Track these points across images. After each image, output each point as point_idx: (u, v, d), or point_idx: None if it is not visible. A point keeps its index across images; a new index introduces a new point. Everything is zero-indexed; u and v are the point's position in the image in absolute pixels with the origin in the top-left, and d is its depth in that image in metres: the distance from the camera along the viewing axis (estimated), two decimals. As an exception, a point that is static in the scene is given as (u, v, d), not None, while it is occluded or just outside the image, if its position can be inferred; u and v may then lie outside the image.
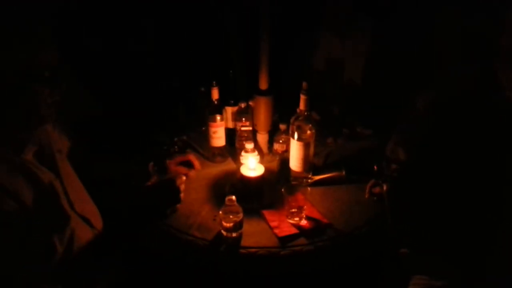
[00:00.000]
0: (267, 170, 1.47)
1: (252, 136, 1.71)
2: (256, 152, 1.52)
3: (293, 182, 1.54)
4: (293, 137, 1.47)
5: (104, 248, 1.08)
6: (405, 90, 2.13)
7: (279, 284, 1.32)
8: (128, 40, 2.40)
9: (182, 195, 1.30)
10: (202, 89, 1.88)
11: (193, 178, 1.54)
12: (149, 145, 1.74)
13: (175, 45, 2.61)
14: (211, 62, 2.49)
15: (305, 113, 1.46)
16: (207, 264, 1.27)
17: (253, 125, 1.72)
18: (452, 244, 0.85)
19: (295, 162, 1.51)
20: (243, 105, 1.71)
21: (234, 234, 1.26)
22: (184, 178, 1.30)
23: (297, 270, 1.26)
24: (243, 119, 1.71)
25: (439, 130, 0.87)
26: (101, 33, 2.23)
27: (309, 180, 1.55)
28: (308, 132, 1.46)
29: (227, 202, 1.25)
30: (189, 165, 1.58)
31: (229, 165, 1.72)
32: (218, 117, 1.65)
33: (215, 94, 1.65)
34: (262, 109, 1.65)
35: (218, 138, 1.68)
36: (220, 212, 1.26)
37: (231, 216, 1.25)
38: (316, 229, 1.31)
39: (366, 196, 1.43)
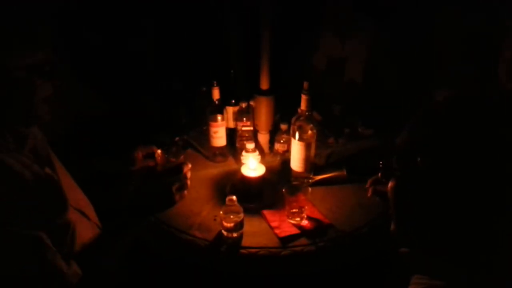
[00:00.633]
0: (268, 170, 1.47)
1: (253, 136, 1.70)
2: (257, 152, 1.52)
3: (294, 182, 1.53)
4: (294, 137, 1.46)
5: (104, 247, 1.07)
6: (406, 89, 2.15)
7: (279, 284, 1.31)
8: (128, 40, 2.40)
9: (188, 181, 1.23)
10: (203, 88, 1.88)
11: (194, 178, 1.53)
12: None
13: (176, 45, 2.61)
14: (212, 61, 2.49)
15: (306, 113, 1.46)
16: (208, 264, 1.27)
17: (254, 125, 1.72)
18: (454, 244, 0.85)
19: (296, 162, 1.51)
20: (244, 105, 1.71)
21: (234, 234, 1.26)
22: (189, 165, 1.26)
23: (298, 270, 1.26)
24: (244, 119, 1.71)
25: (453, 127, 0.86)
26: (101, 32, 2.23)
27: (310, 180, 1.55)
28: (309, 132, 1.46)
29: (227, 202, 1.25)
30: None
31: (230, 165, 1.71)
32: (219, 117, 1.64)
33: (216, 94, 1.65)
34: (263, 109, 1.65)
35: (219, 138, 1.68)
36: (221, 212, 1.26)
37: (231, 216, 1.24)
38: (317, 230, 1.30)
39: (369, 194, 1.42)
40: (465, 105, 0.88)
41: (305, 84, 1.42)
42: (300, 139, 1.45)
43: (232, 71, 1.84)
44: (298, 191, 1.37)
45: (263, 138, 1.72)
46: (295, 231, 1.29)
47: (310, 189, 1.45)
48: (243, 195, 1.34)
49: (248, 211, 1.30)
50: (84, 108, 1.87)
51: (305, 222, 1.33)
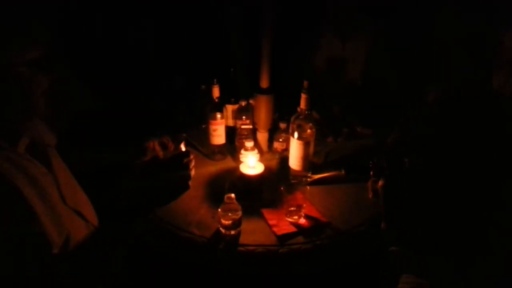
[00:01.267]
0: (266, 169, 1.48)
1: (252, 134, 1.71)
2: (256, 151, 1.53)
3: (293, 181, 1.54)
4: (293, 136, 1.47)
5: (103, 245, 1.07)
6: (405, 89, 2.15)
7: (276, 282, 1.32)
8: (128, 38, 2.40)
9: (192, 172, 1.20)
10: (203, 87, 1.89)
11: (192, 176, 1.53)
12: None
13: (176, 44, 2.61)
14: (212, 60, 2.49)
15: (306, 112, 1.46)
16: (206, 262, 1.27)
17: (253, 123, 1.72)
18: (445, 243, 0.85)
19: (294, 161, 1.51)
20: (243, 103, 1.72)
21: (232, 232, 1.26)
22: (192, 155, 1.20)
23: (295, 268, 1.26)
24: (244, 117, 1.71)
25: (444, 126, 0.87)
26: (101, 30, 2.23)
27: (309, 179, 1.55)
28: (308, 131, 1.46)
29: (226, 200, 1.26)
30: (164, 146, 1.50)
31: (228, 163, 1.72)
32: (219, 115, 1.65)
33: (215, 92, 1.66)
34: (263, 107, 1.65)
35: (218, 136, 1.68)
36: (219, 210, 1.26)
37: (230, 214, 1.25)
38: (315, 228, 1.31)
39: (370, 195, 1.40)
40: (457, 104, 0.89)
41: (305, 83, 1.43)
42: (299, 137, 1.46)
43: (232, 69, 1.85)
44: (296, 190, 1.38)
45: (262, 136, 1.73)
46: (292, 229, 1.30)
47: (308, 187, 1.45)
48: (242, 193, 1.34)
49: (246, 209, 1.31)
50: (83, 106, 1.87)
51: (303, 221, 1.33)
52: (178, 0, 2.54)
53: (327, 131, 1.88)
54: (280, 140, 1.64)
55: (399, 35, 2.20)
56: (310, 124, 1.46)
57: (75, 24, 2.02)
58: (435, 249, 0.86)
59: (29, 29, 0.93)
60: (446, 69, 2.08)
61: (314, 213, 1.37)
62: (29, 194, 0.93)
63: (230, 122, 1.83)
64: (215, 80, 1.65)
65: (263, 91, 1.64)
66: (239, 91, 1.82)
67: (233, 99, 1.79)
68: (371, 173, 1.20)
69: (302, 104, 1.46)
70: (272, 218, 1.35)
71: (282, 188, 1.36)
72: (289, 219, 1.34)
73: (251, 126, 1.72)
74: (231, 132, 1.79)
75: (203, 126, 1.76)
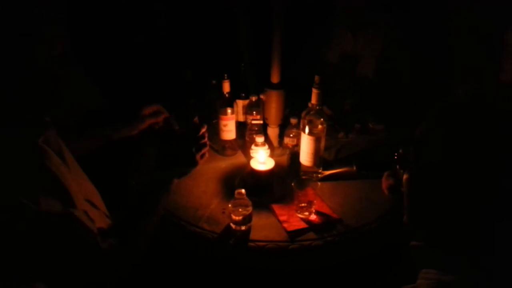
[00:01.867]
0: (277, 164, 1.47)
1: (263, 129, 1.70)
2: (267, 146, 1.52)
3: (303, 177, 1.53)
4: (304, 131, 1.46)
5: (117, 236, 1.08)
6: (419, 84, 2.12)
7: (287, 278, 1.31)
8: (138, 34, 2.41)
9: (206, 141, 1.26)
10: (213, 82, 1.88)
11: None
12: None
13: (186, 39, 2.61)
14: (222, 55, 2.49)
15: (317, 107, 1.45)
16: (216, 257, 1.27)
17: (263, 118, 1.72)
18: (467, 240, 0.84)
19: (305, 157, 1.50)
20: (254, 98, 1.70)
21: (243, 228, 1.26)
22: (205, 126, 1.26)
23: (305, 264, 1.26)
24: (254, 112, 1.70)
25: (474, 122, 0.85)
26: (111, 26, 2.23)
27: (319, 175, 1.54)
28: (320, 126, 1.45)
29: (236, 196, 1.25)
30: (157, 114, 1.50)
31: (239, 158, 1.72)
32: (229, 110, 1.64)
33: (226, 87, 1.65)
34: (273, 102, 1.64)
35: (229, 131, 1.68)
36: (230, 205, 1.26)
37: (240, 210, 1.25)
38: (326, 224, 1.30)
39: (386, 192, 1.38)
40: (486, 101, 0.87)
41: (317, 78, 1.41)
42: (310, 133, 1.45)
43: (242, 64, 1.84)
44: (307, 186, 1.37)
45: (273, 132, 1.72)
46: (303, 225, 1.29)
47: (319, 183, 1.44)
48: (252, 189, 1.34)
49: (256, 205, 1.31)
50: (91, 102, 1.87)
51: (313, 217, 1.33)
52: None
53: (338, 127, 1.87)
54: (291, 135, 1.63)
55: (412, 29, 2.17)
56: (321, 120, 1.45)
57: (83, 19, 2.03)
58: (460, 247, 0.84)
59: (55, 27, 0.96)
60: (461, 64, 2.05)
61: (325, 210, 1.36)
62: (44, 185, 0.95)
63: (241, 118, 1.82)
64: (225, 75, 1.64)
65: (274, 86, 1.62)
66: (249, 86, 1.81)
67: (243, 94, 1.78)
68: (397, 166, 1.19)
69: (314, 99, 1.44)
70: (283, 214, 1.34)
71: (292, 184, 1.35)
72: (300, 215, 1.33)
73: (261, 122, 1.71)
74: (241, 127, 1.78)
75: (214, 122, 1.75)
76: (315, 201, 1.35)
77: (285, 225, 1.29)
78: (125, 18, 2.32)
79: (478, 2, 2.02)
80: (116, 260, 1.02)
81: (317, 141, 1.45)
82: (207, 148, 1.25)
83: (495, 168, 0.82)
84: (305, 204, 1.33)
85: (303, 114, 1.49)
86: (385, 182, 1.30)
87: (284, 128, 1.69)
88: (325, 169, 1.55)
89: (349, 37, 2.27)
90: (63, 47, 0.97)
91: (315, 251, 1.23)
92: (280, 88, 1.62)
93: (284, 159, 1.65)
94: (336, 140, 1.80)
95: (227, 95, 1.66)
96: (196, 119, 1.27)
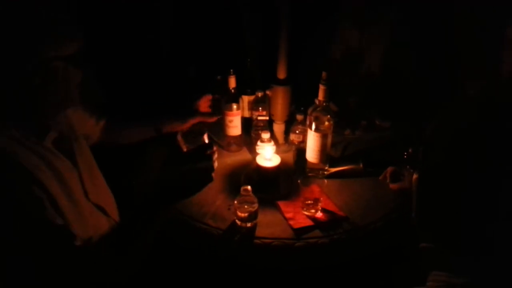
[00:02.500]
0: (282, 161, 1.46)
1: (269, 125, 1.69)
2: (272, 142, 1.51)
3: (309, 174, 1.52)
4: (311, 128, 1.44)
5: (126, 240, 1.07)
6: (425, 81, 2.10)
7: (292, 275, 1.31)
8: (143, 29, 2.39)
9: (215, 164, 1.17)
10: (219, 77, 1.86)
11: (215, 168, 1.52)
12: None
13: (192, 34, 2.59)
14: (228, 50, 2.47)
15: (324, 104, 1.43)
16: (221, 253, 1.27)
17: (269, 114, 1.70)
18: (477, 242, 0.83)
19: (311, 154, 1.49)
20: (260, 94, 1.69)
21: (248, 224, 1.26)
22: (215, 147, 1.18)
23: (311, 262, 1.25)
24: (260, 108, 1.69)
25: (486, 119, 0.83)
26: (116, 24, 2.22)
27: (326, 172, 1.53)
28: (326, 123, 1.44)
29: (242, 192, 1.24)
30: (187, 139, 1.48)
31: (244, 154, 1.70)
32: (235, 106, 1.63)
33: (232, 82, 1.63)
34: (280, 98, 1.63)
35: (234, 127, 1.67)
36: (235, 202, 1.25)
37: (246, 206, 1.24)
38: (332, 222, 1.29)
39: (391, 187, 1.36)
40: (497, 100, 0.85)
41: (324, 74, 1.40)
42: (317, 130, 1.43)
43: (248, 59, 1.82)
44: (313, 183, 1.36)
45: (279, 128, 1.70)
46: (309, 222, 1.28)
47: (325, 181, 1.43)
48: (258, 185, 1.33)
49: (262, 202, 1.30)
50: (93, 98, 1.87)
51: (319, 214, 1.32)
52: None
53: (345, 124, 1.85)
54: (297, 132, 1.62)
55: (419, 25, 2.14)
56: (328, 116, 1.44)
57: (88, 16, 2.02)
58: (469, 248, 0.83)
59: (67, 27, 0.96)
60: (469, 62, 2.02)
61: (331, 207, 1.35)
62: (54, 188, 0.95)
63: (246, 113, 1.81)
64: (231, 70, 1.63)
65: (280, 82, 1.61)
66: (255, 81, 1.79)
67: (249, 90, 1.76)
68: (407, 166, 1.18)
69: (320, 96, 1.43)
70: (289, 211, 1.33)
71: (298, 181, 1.34)
72: (306, 213, 1.32)
73: (267, 118, 1.69)
74: (247, 123, 1.77)
75: (219, 117, 1.74)
76: (321, 199, 1.34)
77: (291, 222, 1.28)
78: (135, 16, 2.31)
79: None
80: (110, 267, 1.01)
81: (323, 138, 1.44)
82: (213, 171, 1.15)
83: (506, 167, 0.81)
84: (311, 201, 1.32)
85: (309, 110, 1.48)
86: (388, 173, 1.30)
87: (290, 124, 1.68)
88: (331, 166, 1.54)
89: (354, 33, 2.24)
90: (75, 47, 0.97)
91: (321, 249, 1.22)
92: (286, 84, 1.61)
93: (290, 155, 1.64)
94: (342, 137, 1.79)
95: (232, 90, 1.64)
96: (205, 136, 1.21)
